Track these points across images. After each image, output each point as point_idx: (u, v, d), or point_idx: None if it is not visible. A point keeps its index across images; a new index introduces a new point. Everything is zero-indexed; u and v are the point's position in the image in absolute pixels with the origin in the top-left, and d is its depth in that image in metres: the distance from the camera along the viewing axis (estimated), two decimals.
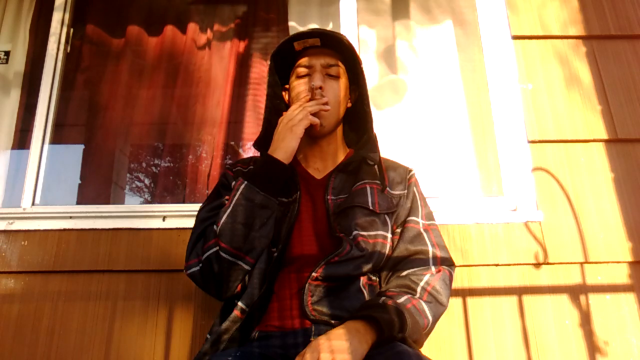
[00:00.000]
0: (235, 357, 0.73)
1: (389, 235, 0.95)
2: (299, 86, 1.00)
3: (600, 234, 1.32)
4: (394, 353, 0.70)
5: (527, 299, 1.26)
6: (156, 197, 1.77)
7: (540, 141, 1.42)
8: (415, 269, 0.92)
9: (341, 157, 1.05)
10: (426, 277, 0.90)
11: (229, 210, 0.87)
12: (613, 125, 1.42)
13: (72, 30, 1.71)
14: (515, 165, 1.42)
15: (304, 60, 1.02)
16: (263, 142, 1.01)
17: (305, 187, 0.99)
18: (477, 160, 1.58)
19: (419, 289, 0.87)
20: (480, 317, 1.24)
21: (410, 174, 1.06)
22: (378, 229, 0.93)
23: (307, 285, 0.84)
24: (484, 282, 1.27)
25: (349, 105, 1.07)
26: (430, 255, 0.94)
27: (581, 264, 1.29)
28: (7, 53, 1.72)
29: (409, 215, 0.99)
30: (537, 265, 1.29)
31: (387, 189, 1.00)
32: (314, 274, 0.84)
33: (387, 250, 0.93)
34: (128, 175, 2.01)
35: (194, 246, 0.93)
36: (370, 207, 0.94)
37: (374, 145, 1.02)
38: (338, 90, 1.00)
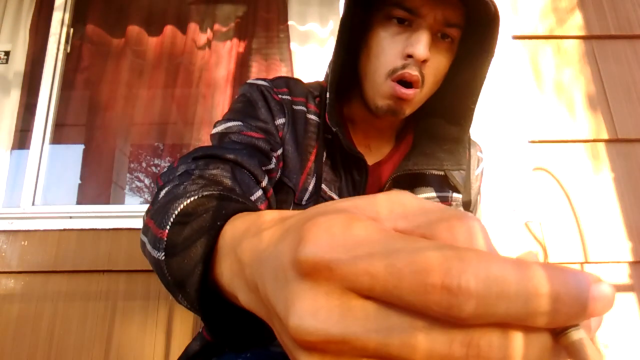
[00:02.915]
0: (245, 357, 0.67)
1: None
2: (387, 38, 0.60)
3: (600, 234, 1.32)
4: None
5: None
6: None
7: (540, 141, 1.42)
8: None
9: (402, 137, 0.73)
10: None
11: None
12: (613, 125, 1.42)
13: (72, 30, 1.71)
14: (515, 165, 1.42)
15: (409, 1, 0.58)
16: (334, 111, 0.63)
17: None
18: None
19: None
20: None
21: (480, 168, 0.77)
22: None
23: None
24: None
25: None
26: None
27: (581, 264, 1.29)
28: (7, 53, 1.72)
29: None
30: None
31: (453, 194, 0.71)
32: None
33: None
34: (128, 175, 2.01)
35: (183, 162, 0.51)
36: None
37: (463, 156, 0.68)
38: (444, 65, 0.63)
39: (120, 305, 1.27)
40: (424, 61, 0.58)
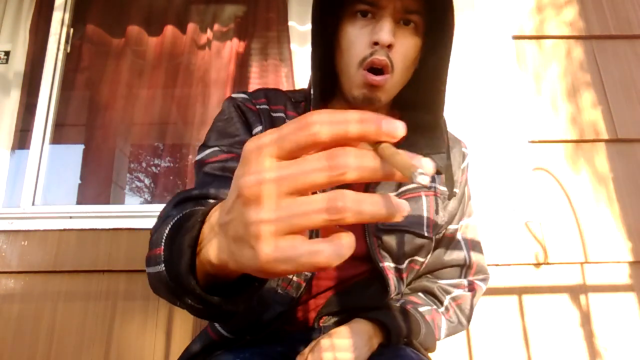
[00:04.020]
0: (243, 357, 0.69)
1: (429, 257, 0.79)
2: (354, 32, 0.67)
3: (600, 234, 1.32)
4: (396, 356, 0.67)
5: (527, 299, 1.26)
6: (156, 197, 1.77)
7: (540, 141, 1.42)
8: (448, 281, 0.82)
9: None
10: (456, 293, 0.80)
11: None
12: (613, 125, 1.42)
13: (72, 30, 1.71)
14: (515, 165, 1.41)
15: None
16: (318, 103, 0.71)
17: None
18: (477, 160, 1.58)
19: (445, 303, 0.79)
20: (480, 317, 1.24)
21: (465, 162, 0.82)
22: (422, 255, 0.77)
23: (318, 318, 0.72)
24: None
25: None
26: (466, 267, 0.82)
27: (581, 264, 1.29)
28: (7, 53, 1.72)
29: (451, 222, 0.81)
30: (537, 265, 1.29)
31: (440, 187, 0.77)
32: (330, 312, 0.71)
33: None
34: (128, 175, 2.01)
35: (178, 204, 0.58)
36: (425, 234, 0.74)
37: (442, 139, 0.72)
38: (411, 50, 0.68)
39: (120, 305, 1.27)
40: (390, 46, 0.64)
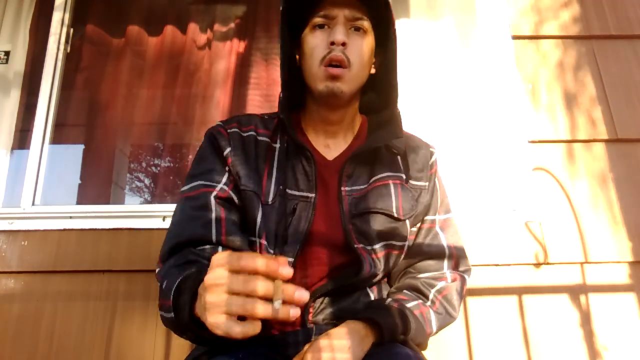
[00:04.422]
0: (237, 357, 0.72)
1: (407, 243, 0.85)
2: (315, 39, 0.81)
3: (600, 234, 1.32)
4: (392, 354, 0.70)
5: (527, 299, 1.26)
6: (156, 197, 1.77)
7: (540, 141, 1.42)
8: (430, 274, 0.85)
9: (356, 127, 0.90)
10: (440, 285, 0.84)
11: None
12: (613, 125, 1.42)
13: (72, 30, 1.71)
14: (515, 165, 1.42)
15: (323, 9, 0.81)
16: (286, 102, 0.85)
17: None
18: (477, 160, 1.58)
19: (431, 296, 0.82)
20: (480, 317, 1.24)
21: (433, 159, 0.91)
22: (398, 239, 0.82)
23: (311, 302, 0.77)
24: (484, 282, 1.27)
25: (373, 71, 0.88)
26: (446, 258, 0.87)
27: (581, 264, 1.29)
28: (7, 53, 1.72)
29: (427, 213, 0.88)
30: (537, 265, 1.29)
31: (410, 181, 0.86)
32: (320, 293, 0.76)
33: (402, 257, 0.86)
34: (128, 175, 2.01)
35: (170, 255, 0.74)
36: (395, 214, 0.81)
37: (398, 126, 0.85)
38: (363, 48, 0.81)
39: (120, 306, 1.27)
40: (344, 44, 0.78)
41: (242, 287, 0.48)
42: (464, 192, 1.55)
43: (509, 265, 1.29)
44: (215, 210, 0.76)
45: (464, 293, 0.89)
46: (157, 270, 0.75)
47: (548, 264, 1.29)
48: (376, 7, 0.82)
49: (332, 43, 0.78)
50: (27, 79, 1.70)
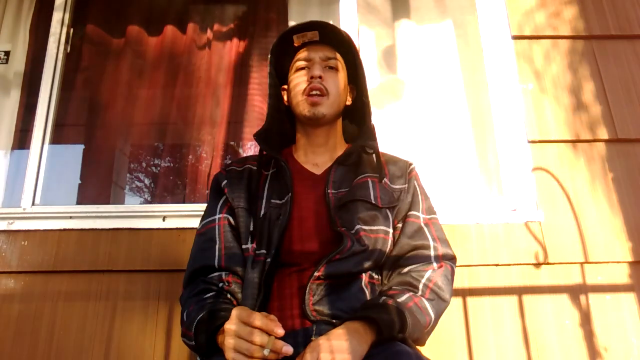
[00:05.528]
0: None
1: (390, 230, 0.94)
2: (298, 78, 1.02)
3: (600, 234, 1.32)
4: (393, 352, 0.70)
5: (527, 299, 1.26)
6: (156, 197, 1.77)
7: (540, 141, 1.42)
8: (417, 265, 0.91)
9: (340, 152, 1.04)
10: (428, 274, 0.89)
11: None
12: (613, 125, 1.42)
13: (72, 30, 1.71)
14: (515, 165, 1.42)
15: (302, 54, 1.03)
16: (264, 135, 1.01)
17: (304, 183, 0.97)
18: (477, 160, 1.58)
19: (420, 286, 0.87)
20: (480, 317, 1.24)
21: (411, 167, 1.05)
22: (380, 224, 0.92)
23: (308, 285, 0.83)
24: (484, 282, 1.27)
25: (349, 102, 1.08)
26: (432, 249, 0.93)
27: (581, 264, 1.29)
28: (7, 53, 1.72)
29: (409, 209, 0.98)
30: (537, 265, 1.29)
31: (388, 182, 0.99)
32: (316, 274, 0.83)
33: (388, 246, 0.92)
34: (128, 175, 2.01)
35: (188, 283, 0.94)
36: (373, 201, 0.93)
37: (372, 134, 1.02)
38: (338, 80, 1.02)
39: (120, 306, 1.27)
40: (321, 77, 0.98)
41: (246, 336, 0.68)
42: (463, 192, 1.55)
43: (509, 265, 1.29)
44: (218, 241, 0.94)
45: (453, 278, 0.94)
46: (181, 294, 0.93)
47: (548, 264, 1.29)
48: (344, 46, 1.05)
49: (312, 77, 0.98)
50: (27, 79, 1.70)
